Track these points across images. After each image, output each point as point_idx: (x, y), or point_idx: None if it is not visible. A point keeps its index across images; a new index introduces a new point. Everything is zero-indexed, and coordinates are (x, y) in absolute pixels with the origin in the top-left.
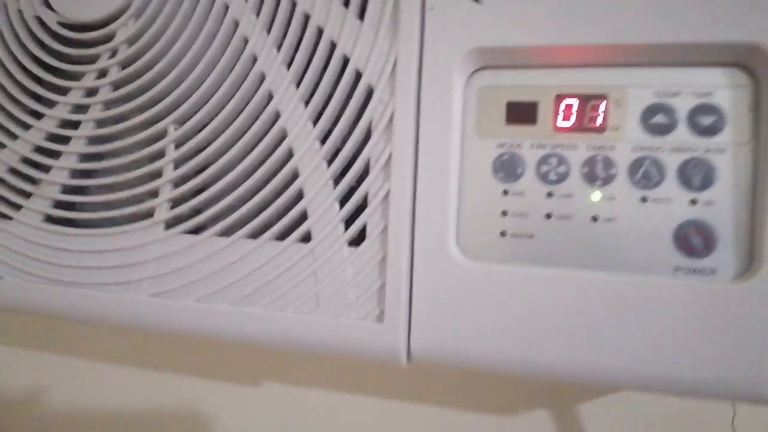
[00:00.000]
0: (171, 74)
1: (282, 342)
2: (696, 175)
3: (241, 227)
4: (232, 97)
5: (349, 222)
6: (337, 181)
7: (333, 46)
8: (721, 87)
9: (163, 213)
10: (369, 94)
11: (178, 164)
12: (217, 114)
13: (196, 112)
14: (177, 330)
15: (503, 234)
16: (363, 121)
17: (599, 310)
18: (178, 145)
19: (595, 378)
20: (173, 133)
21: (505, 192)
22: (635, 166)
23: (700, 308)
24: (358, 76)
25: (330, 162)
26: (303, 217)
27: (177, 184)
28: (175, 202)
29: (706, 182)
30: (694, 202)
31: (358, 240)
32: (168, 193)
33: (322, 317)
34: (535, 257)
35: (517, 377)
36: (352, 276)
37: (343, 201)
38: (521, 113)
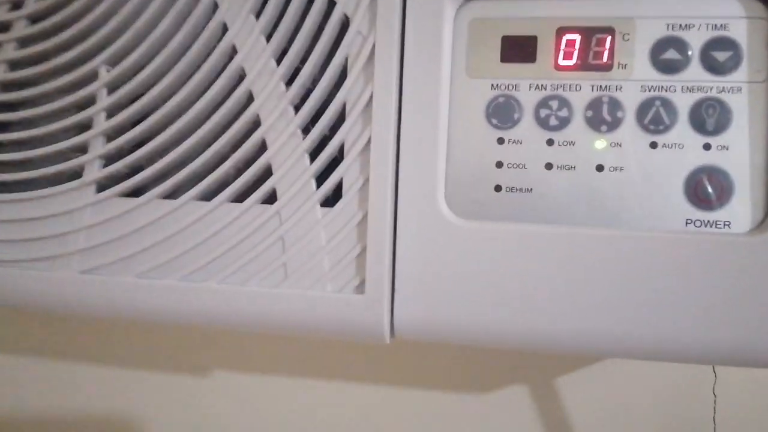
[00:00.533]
0: (101, 4)
1: (243, 321)
2: (710, 118)
3: (191, 187)
4: (177, 31)
5: (321, 178)
6: (306, 129)
7: None
8: (737, 18)
9: (95, 172)
10: (344, 26)
11: (111, 113)
12: (158, 51)
13: (133, 50)
14: (114, 311)
15: (498, 188)
16: (337, 58)
17: (606, 271)
18: (111, 90)
19: (604, 347)
20: (105, 76)
21: (501, 140)
22: (644, 108)
23: (714, 264)
24: (331, 3)
25: (298, 107)
26: (266, 173)
27: (111, 137)
28: (109, 159)
29: (721, 125)
30: (707, 147)
31: (332, 199)
32: (100, 147)
33: (292, 290)
34: (534, 214)
35: (514, 350)
36: (327, 241)
37: (314, 153)
38: (518, 49)
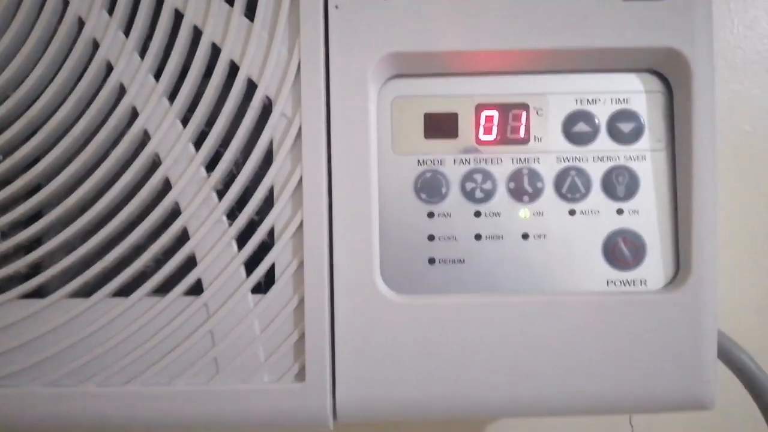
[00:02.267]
0: None
1: (173, 424)
2: (620, 185)
3: (105, 283)
4: (79, 117)
5: (251, 264)
6: (231, 215)
7: (216, 51)
8: (638, 93)
9: None
10: (267, 109)
11: (5, 207)
12: (58, 140)
13: (30, 137)
14: (23, 426)
15: (432, 261)
16: (262, 140)
17: (537, 334)
18: (3, 183)
19: (539, 407)
20: None
21: (431, 214)
22: (561, 177)
23: (634, 320)
24: (252, 86)
25: (221, 193)
26: (190, 263)
27: (5, 233)
28: (5, 258)
29: (630, 191)
30: (620, 212)
31: (264, 285)
32: None
33: (225, 385)
34: (467, 284)
35: (458, 420)
36: (261, 330)
37: (241, 239)
38: (441, 126)
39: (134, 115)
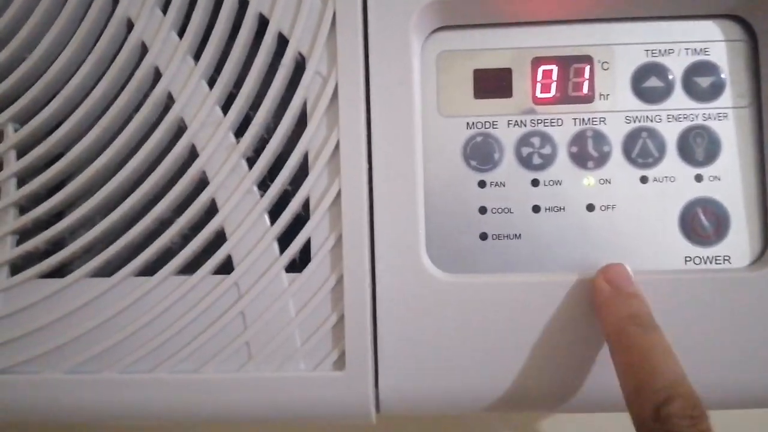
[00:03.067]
0: (6, 49)
1: (202, 414)
2: (699, 147)
3: (128, 261)
4: (99, 79)
5: (285, 240)
6: (263, 185)
7: (244, 4)
8: (717, 42)
9: (6, 251)
10: (300, 67)
11: (23, 179)
12: (77, 105)
13: (46, 104)
14: (41, 414)
15: (484, 236)
16: (295, 103)
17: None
18: (21, 153)
19: (607, 403)
20: (12, 136)
21: (482, 183)
22: (631, 140)
23: (715, 303)
24: (283, 41)
25: (252, 161)
26: (219, 238)
27: (24, 208)
28: (23, 235)
29: (710, 155)
30: (699, 178)
31: (299, 263)
32: (11, 221)
33: (258, 372)
34: (524, 262)
35: (514, 414)
36: (296, 312)
37: (274, 212)
38: (492, 83)
39: (157, 76)
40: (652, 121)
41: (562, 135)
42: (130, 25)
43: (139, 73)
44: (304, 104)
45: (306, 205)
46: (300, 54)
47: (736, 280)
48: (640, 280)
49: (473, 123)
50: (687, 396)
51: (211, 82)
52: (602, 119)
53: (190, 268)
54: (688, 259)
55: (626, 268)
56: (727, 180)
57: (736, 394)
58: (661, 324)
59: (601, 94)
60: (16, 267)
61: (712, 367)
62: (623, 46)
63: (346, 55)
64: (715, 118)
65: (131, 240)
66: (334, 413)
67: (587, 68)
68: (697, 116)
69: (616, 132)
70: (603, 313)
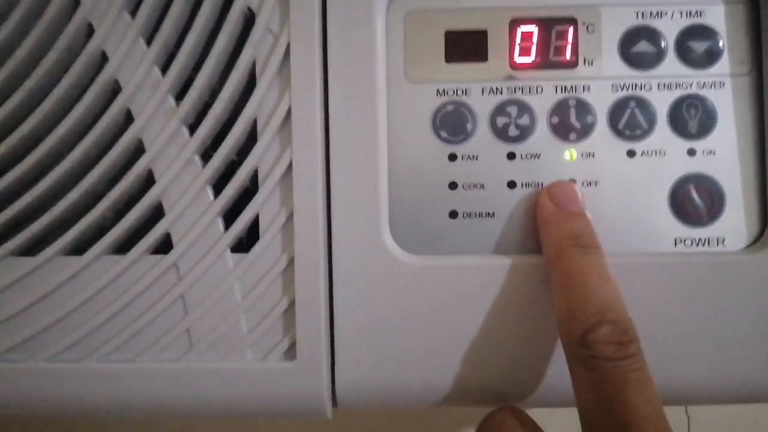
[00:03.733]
0: None
1: (136, 407)
2: (692, 119)
3: (53, 240)
4: (24, 37)
5: (230, 216)
6: (206, 155)
7: None
8: (714, 3)
9: None
10: (249, 22)
11: None
12: (2, 63)
13: None
14: None
15: (454, 214)
16: (242, 62)
17: None
18: None
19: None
20: None
21: (453, 156)
22: (617, 110)
23: (708, 288)
24: None
25: (193, 127)
26: (157, 214)
27: None
28: None
29: (705, 127)
30: (692, 152)
31: (246, 242)
32: None
33: (200, 363)
34: (497, 242)
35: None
36: (243, 296)
37: (218, 185)
38: (466, 46)
39: (89, 32)
40: (641, 89)
41: (541, 104)
42: None
43: (70, 30)
44: (253, 65)
45: (254, 177)
46: (248, 8)
47: (731, 264)
48: (625, 263)
49: (444, 90)
50: (617, 321)
51: (149, 40)
52: (586, 87)
53: (124, 246)
54: (678, 240)
55: (574, 187)
56: (723, 155)
57: (730, 389)
58: (648, 310)
59: (585, 59)
60: None
61: (703, 358)
62: (610, 7)
63: (300, 10)
64: (710, 87)
65: (59, 215)
66: (285, 408)
67: (570, 30)
68: (691, 84)
69: (601, 101)
70: (543, 232)
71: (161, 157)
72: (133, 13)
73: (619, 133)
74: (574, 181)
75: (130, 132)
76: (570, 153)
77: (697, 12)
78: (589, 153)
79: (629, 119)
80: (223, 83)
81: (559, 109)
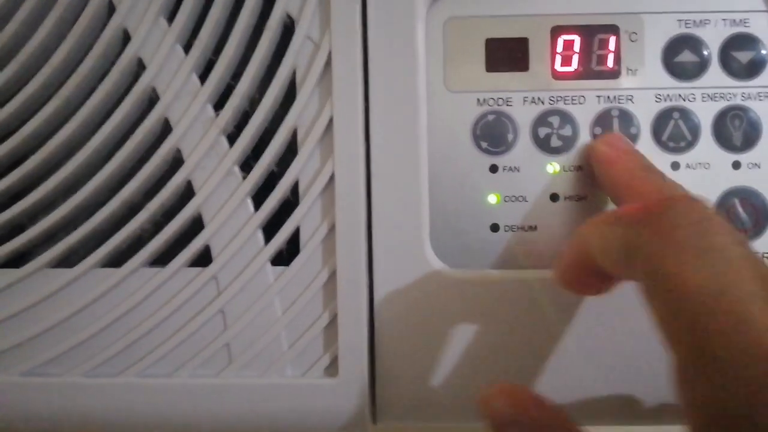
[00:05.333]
0: None
1: (174, 423)
2: (736, 131)
3: (91, 251)
4: (59, 43)
5: (270, 229)
6: (246, 166)
7: None
8: (759, 12)
9: None
10: (289, 30)
11: None
12: (34, 73)
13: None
14: None
15: (495, 228)
16: (282, 71)
17: (630, 322)
18: None
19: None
20: None
21: (494, 167)
22: (661, 121)
23: None
24: (269, 0)
25: (233, 138)
26: (196, 226)
27: None
28: None
29: (750, 139)
30: (737, 165)
31: (287, 255)
32: None
33: (239, 378)
34: (540, 257)
35: None
36: (283, 311)
37: (258, 197)
38: (507, 55)
39: (126, 39)
40: (684, 100)
41: (584, 114)
42: None
43: (106, 36)
44: (293, 74)
45: (295, 189)
46: (288, 15)
47: None
48: None
49: (484, 99)
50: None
51: (187, 47)
52: (629, 97)
53: (163, 259)
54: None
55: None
56: None
57: None
58: None
59: (628, 69)
60: None
61: None
62: (653, 15)
63: (341, 18)
64: (755, 98)
65: (96, 226)
66: (324, 425)
67: (613, 39)
68: (735, 95)
69: (644, 112)
70: (612, 171)
71: (200, 167)
72: (170, 19)
73: (662, 144)
74: None
75: (169, 142)
76: None
77: (741, 20)
78: None
79: (673, 131)
80: (263, 92)
81: (602, 119)
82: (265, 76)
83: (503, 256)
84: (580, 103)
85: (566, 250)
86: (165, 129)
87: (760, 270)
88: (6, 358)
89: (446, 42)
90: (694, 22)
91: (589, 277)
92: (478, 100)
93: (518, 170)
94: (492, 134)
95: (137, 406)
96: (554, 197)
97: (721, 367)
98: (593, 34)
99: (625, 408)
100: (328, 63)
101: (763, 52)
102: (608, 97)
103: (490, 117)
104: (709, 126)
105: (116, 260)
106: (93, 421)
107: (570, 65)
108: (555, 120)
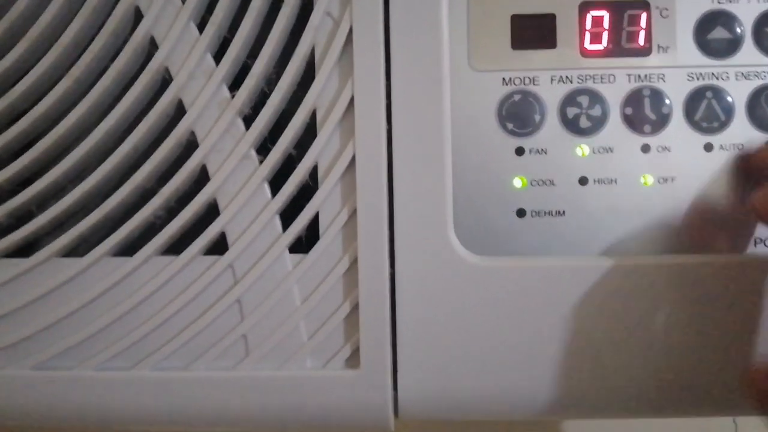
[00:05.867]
0: None
1: (190, 417)
2: None
3: (103, 239)
4: (70, 21)
5: (288, 215)
6: (263, 149)
7: None
8: None
9: None
10: (307, 6)
11: None
12: (44, 52)
13: (9, 50)
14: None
15: (522, 213)
16: (301, 49)
17: (664, 309)
18: None
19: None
20: None
21: (520, 150)
22: (694, 101)
23: None
24: None
25: (249, 119)
26: (211, 212)
27: None
28: None
29: None
30: None
31: (306, 242)
32: None
33: (257, 371)
34: (570, 242)
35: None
36: (302, 300)
37: (275, 181)
38: (533, 32)
39: (138, 17)
40: (718, 78)
41: (614, 94)
42: None
43: (117, 14)
44: (312, 52)
45: (314, 173)
46: None
47: None
48: (702, 263)
49: (510, 79)
50: None
51: (202, 25)
52: (661, 76)
53: (177, 247)
54: (758, 240)
55: None
56: None
57: None
58: (723, 314)
59: (659, 46)
60: None
61: None
62: None
63: None
64: None
65: (107, 213)
66: (346, 418)
67: (644, 15)
68: None
69: (676, 91)
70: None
71: (215, 151)
72: None
73: (695, 125)
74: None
75: (183, 124)
76: (645, 147)
77: None
78: (665, 147)
79: (706, 110)
80: (281, 72)
81: (633, 99)
82: (282, 54)
83: (530, 242)
84: (610, 82)
85: None
86: (179, 111)
87: None
88: (15, 352)
89: (470, 18)
90: None
91: None
92: (504, 79)
93: (545, 152)
94: (518, 115)
95: (151, 401)
96: (583, 180)
97: None
98: (623, 10)
99: (652, 399)
100: (348, 40)
101: None
102: (639, 75)
103: (516, 97)
104: (743, 105)
105: (128, 249)
106: (106, 416)
107: (599, 42)
108: (584, 100)
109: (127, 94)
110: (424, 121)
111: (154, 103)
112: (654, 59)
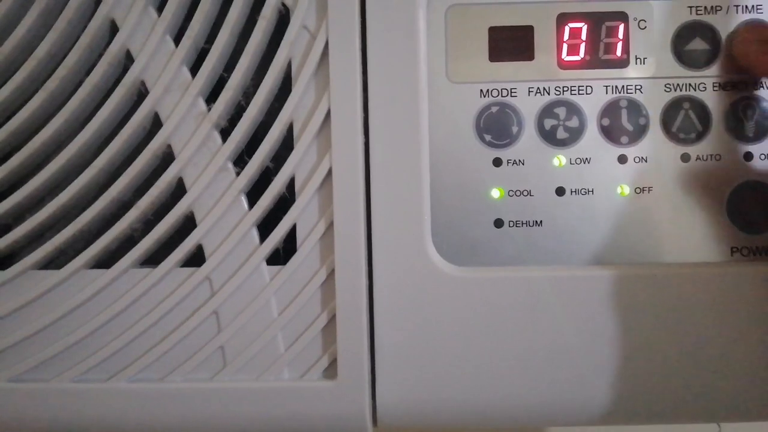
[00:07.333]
0: None
1: (168, 429)
2: (749, 121)
3: (79, 252)
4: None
5: (265, 227)
6: (240, 161)
7: None
8: None
9: None
10: (283, 19)
11: None
12: (19, 65)
13: None
14: None
15: (499, 223)
16: (277, 62)
17: (640, 319)
18: None
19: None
20: None
21: (497, 161)
22: (671, 112)
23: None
24: None
25: (226, 133)
26: (188, 224)
27: None
28: None
29: (763, 129)
30: (749, 156)
31: (284, 254)
32: None
33: (235, 382)
34: (547, 252)
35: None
36: (279, 312)
37: (253, 194)
38: (511, 44)
39: (113, 30)
40: (695, 89)
41: (591, 105)
42: None
43: (92, 27)
44: (289, 64)
45: (291, 185)
46: (283, 3)
47: None
48: (679, 273)
49: (488, 90)
50: None
51: (178, 38)
52: (638, 87)
53: (154, 259)
54: (735, 249)
55: None
56: None
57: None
58: (704, 323)
59: (637, 58)
60: None
61: (759, 375)
62: (663, 2)
63: (339, 6)
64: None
65: (84, 226)
66: (324, 429)
67: (621, 27)
68: (747, 85)
69: (654, 102)
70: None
71: (192, 164)
72: (160, 8)
73: (672, 136)
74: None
75: (159, 137)
76: (622, 158)
77: (754, 6)
78: (642, 157)
79: (683, 121)
80: (257, 85)
81: (610, 110)
82: (259, 67)
83: (508, 252)
84: (588, 94)
85: None
86: (155, 124)
87: None
88: None
89: (448, 31)
90: (705, 8)
91: None
92: (482, 91)
93: (523, 163)
94: (496, 126)
95: (128, 413)
96: (560, 191)
97: None
98: (601, 21)
99: (627, 407)
100: (325, 53)
101: None
102: (616, 87)
103: (494, 108)
104: (720, 116)
105: (105, 261)
106: (82, 428)
107: (577, 54)
108: (561, 111)
109: (103, 107)
110: (402, 133)
111: (131, 116)
112: (631, 70)
